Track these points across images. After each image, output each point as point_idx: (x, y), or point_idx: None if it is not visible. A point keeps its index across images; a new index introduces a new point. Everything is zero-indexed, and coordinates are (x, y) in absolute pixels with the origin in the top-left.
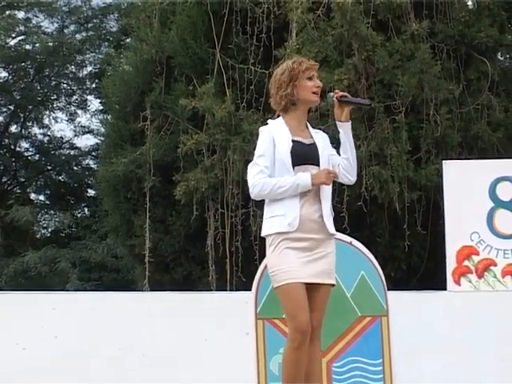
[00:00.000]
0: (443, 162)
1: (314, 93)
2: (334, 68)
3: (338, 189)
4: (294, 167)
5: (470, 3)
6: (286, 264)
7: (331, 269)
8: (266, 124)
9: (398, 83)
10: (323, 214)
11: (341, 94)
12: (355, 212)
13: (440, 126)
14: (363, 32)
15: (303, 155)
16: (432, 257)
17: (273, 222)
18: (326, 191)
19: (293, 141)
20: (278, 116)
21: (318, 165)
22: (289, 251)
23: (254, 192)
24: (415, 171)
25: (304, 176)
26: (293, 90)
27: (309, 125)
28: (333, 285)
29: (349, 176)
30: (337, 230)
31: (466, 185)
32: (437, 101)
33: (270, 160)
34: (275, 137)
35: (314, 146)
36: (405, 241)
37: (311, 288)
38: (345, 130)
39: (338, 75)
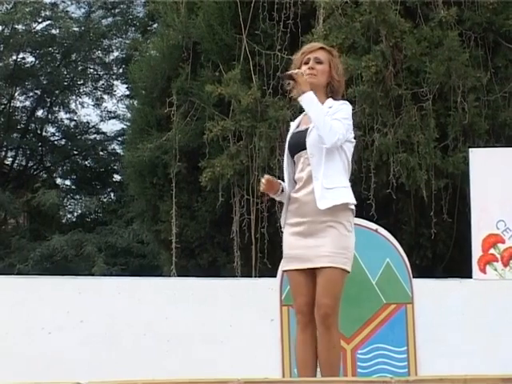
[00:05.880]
0: (470, 149)
1: (307, 75)
2: (361, 55)
3: (366, 176)
4: (294, 157)
5: None
6: (285, 250)
7: (330, 252)
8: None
9: (426, 70)
10: (315, 194)
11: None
12: (381, 199)
13: (467, 114)
14: (391, 19)
15: (294, 145)
16: (458, 245)
17: None
18: (321, 169)
19: (293, 133)
20: None
21: (305, 148)
22: (288, 237)
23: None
24: (442, 159)
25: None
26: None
27: (329, 103)
28: (341, 269)
29: (321, 144)
30: (364, 217)
31: (492, 173)
32: (464, 88)
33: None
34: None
35: (306, 130)
36: (431, 228)
37: (316, 273)
38: (302, 105)
39: (365, 62)
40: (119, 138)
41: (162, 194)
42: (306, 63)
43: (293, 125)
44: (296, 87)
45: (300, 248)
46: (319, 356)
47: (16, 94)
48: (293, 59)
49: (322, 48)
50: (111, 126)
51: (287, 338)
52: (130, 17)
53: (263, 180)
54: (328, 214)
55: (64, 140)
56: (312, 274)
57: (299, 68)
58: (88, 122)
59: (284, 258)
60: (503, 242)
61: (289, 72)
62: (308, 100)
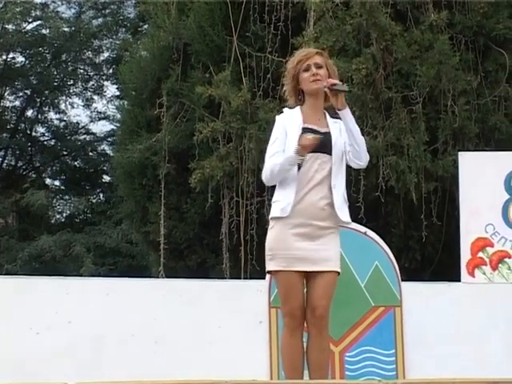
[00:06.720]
0: (459, 153)
1: (312, 81)
2: (351, 57)
3: (355, 178)
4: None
5: None
6: (282, 250)
7: (334, 256)
8: (282, 113)
9: (416, 73)
10: (334, 202)
11: (331, 82)
12: (371, 202)
13: (458, 117)
14: (382, 22)
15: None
16: (447, 248)
17: (273, 207)
18: (338, 179)
19: (304, 128)
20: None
21: (330, 153)
22: (287, 237)
23: (264, 176)
24: (432, 162)
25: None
26: (295, 86)
27: (327, 114)
28: (338, 273)
29: (357, 161)
30: (353, 220)
31: (481, 176)
32: (455, 92)
33: (282, 146)
34: (287, 124)
35: (328, 134)
36: (420, 231)
37: (313, 275)
38: (344, 117)
39: (356, 64)
40: (109, 139)
41: (151, 196)
42: (306, 70)
43: (290, 114)
44: (336, 98)
45: (303, 250)
46: (309, 358)
47: (6, 94)
48: (287, 68)
49: (317, 53)
50: (101, 127)
51: (275, 340)
52: (121, 17)
53: (312, 137)
54: (334, 223)
55: (53, 140)
56: (304, 277)
57: (297, 75)
58: (78, 123)
59: (280, 257)
60: (492, 245)
61: (344, 85)
62: (351, 115)
